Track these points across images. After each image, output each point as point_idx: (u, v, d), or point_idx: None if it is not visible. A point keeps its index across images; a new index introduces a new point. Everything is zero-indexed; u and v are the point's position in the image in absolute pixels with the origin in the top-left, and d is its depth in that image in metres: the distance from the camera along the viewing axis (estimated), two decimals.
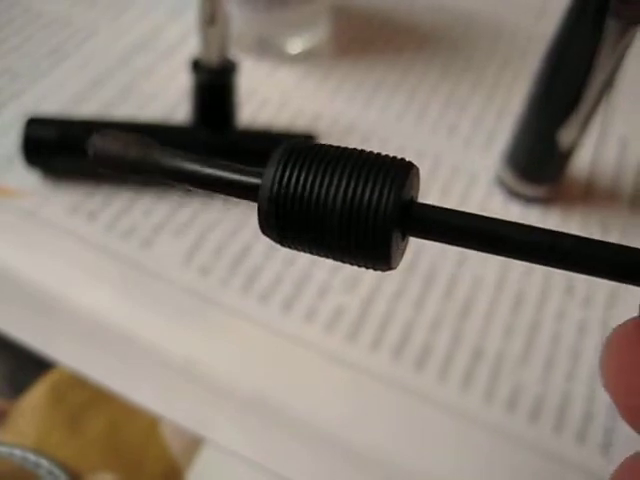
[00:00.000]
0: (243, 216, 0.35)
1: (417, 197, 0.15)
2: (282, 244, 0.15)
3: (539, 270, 0.35)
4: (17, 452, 0.27)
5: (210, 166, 0.15)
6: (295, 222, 0.15)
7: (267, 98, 0.42)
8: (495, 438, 0.30)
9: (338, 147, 0.15)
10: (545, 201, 0.38)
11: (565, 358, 0.33)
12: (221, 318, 0.32)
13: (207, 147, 0.36)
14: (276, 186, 0.14)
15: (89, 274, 0.33)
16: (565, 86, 0.33)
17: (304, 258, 0.34)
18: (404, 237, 0.15)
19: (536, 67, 0.35)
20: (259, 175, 0.15)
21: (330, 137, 0.40)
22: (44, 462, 0.27)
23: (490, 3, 0.51)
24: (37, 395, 0.29)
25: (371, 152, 0.15)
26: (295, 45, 0.45)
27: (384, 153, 0.15)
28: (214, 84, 0.35)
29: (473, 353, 0.32)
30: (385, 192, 0.14)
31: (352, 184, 0.14)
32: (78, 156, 0.35)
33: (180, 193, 0.36)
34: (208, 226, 0.35)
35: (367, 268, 0.15)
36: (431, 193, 0.38)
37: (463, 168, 0.40)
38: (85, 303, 0.32)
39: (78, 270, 0.33)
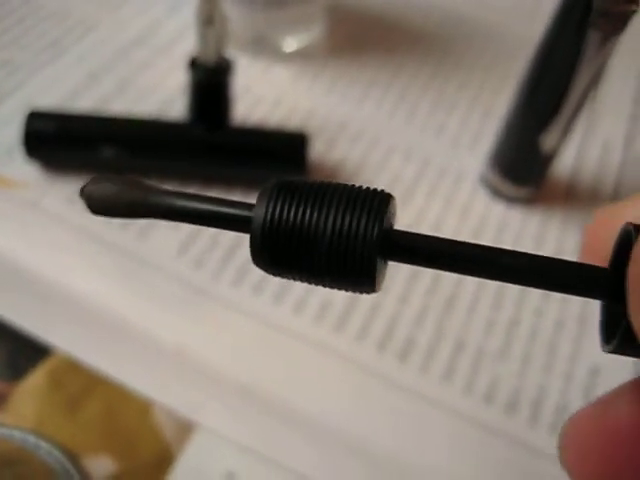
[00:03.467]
0: None
1: (395, 224, 0.16)
2: (274, 274, 0.16)
3: None
4: (17, 433, 0.28)
5: (203, 202, 0.16)
6: (285, 254, 0.15)
7: (261, 96, 0.43)
8: (472, 428, 0.31)
9: (323, 182, 0.16)
10: (527, 202, 0.40)
11: (542, 353, 0.34)
12: (213, 308, 0.34)
13: (202, 144, 0.37)
14: (268, 220, 0.15)
15: (87, 263, 0.34)
16: (547, 92, 0.35)
17: None
18: (385, 262, 0.16)
19: (522, 71, 0.36)
20: (250, 208, 0.16)
21: (322, 135, 0.41)
22: (43, 443, 0.28)
23: (482, 5, 0.52)
24: (36, 379, 0.31)
25: (353, 186, 0.16)
26: (290, 43, 0.46)
27: (365, 186, 0.16)
28: (210, 82, 0.36)
29: (455, 346, 0.34)
30: (369, 224, 0.15)
31: (338, 217, 0.15)
32: (77, 149, 0.37)
33: (176, 185, 0.37)
34: None
35: (354, 292, 0.16)
36: (418, 193, 0.39)
37: (450, 168, 0.41)
38: (83, 291, 0.33)
39: (76, 259, 0.34)
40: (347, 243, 0.15)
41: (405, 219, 0.38)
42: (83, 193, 0.17)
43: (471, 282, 0.36)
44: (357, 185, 0.16)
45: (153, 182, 0.17)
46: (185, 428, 0.30)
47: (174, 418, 0.30)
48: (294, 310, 0.34)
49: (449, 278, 0.36)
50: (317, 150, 0.40)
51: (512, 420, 0.32)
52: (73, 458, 0.29)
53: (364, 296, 0.35)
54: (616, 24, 0.31)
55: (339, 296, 0.34)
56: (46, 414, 0.30)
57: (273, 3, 0.43)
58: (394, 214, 0.16)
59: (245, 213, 0.16)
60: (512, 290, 0.36)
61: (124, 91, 0.42)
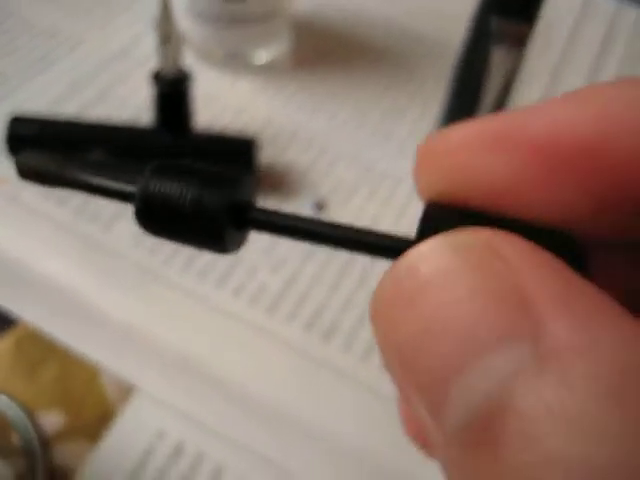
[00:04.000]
0: None
1: (255, 200, 0.20)
2: (152, 235, 0.19)
3: None
4: None
5: (99, 175, 0.19)
6: (158, 220, 0.19)
7: (226, 105, 0.48)
8: (391, 407, 0.36)
9: (196, 164, 0.19)
10: None
11: None
12: (163, 290, 0.38)
13: (166, 148, 0.42)
14: (144, 193, 0.19)
15: (57, 250, 0.39)
16: (464, 99, 0.39)
17: None
18: (240, 230, 0.19)
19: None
20: (135, 184, 0.19)
21: (275, 142, 0.46)
22: (4, 398, 0.33)
23: (438, 26, 0.57)
24: (3, 346, 0.35)
25: (218, 169, 0.19)
26: (261, 56, 0.51)
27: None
28: (170, 92, 0.41)
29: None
30: (218, 196, 0.18)
31: (197, 191, 0.19)
32: (56, 151, 0.42)
33: None
34: None
35: (211, 252, 0.19)
36: (358, 196, 0.44)
37: (392, 173, 0.45)
38: (52, 273, 0.38)
39: (48, 246, 0.39)
40: (200, 212, 0.18)
41: (345, 218, 0.42)
42: (16, 160, 0.20)
43: None
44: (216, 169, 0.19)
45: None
46: (126, 392, 0.35)
47: (117, 383, 0.35)
48: (233, 294, 0.38)
49: (377, 274, 0.40)
50: (269, 155, 0.44)
51: None
52: (29, 412, 0.33)
53: (297, 283, 0.39)
54: (514, 42, 0.35)
55: (274, 282, 0.39)
56: (9, 376, 0.35)
57: (236, 21, 0.48)
58: (253, 193, 0.20)
59: (129, 188, 0.19)
60: None
61: (104, 100, 0.47)
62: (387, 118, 0.49)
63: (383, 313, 0.13)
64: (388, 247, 0.18)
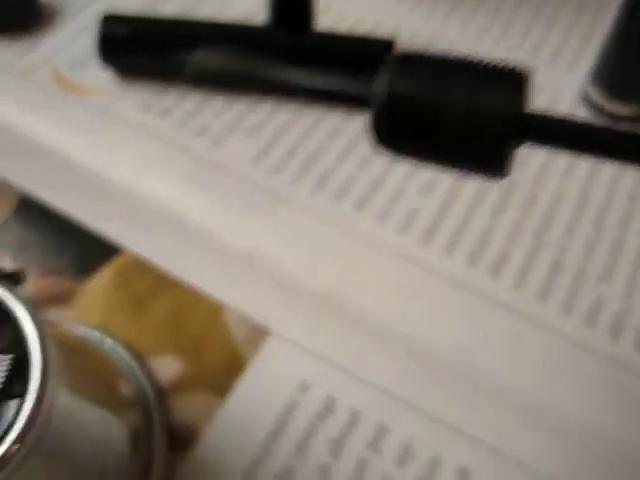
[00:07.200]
0: (317, 119, 0.34)
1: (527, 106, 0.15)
2: (396, 153, 0.15)
3: (625, 185, 0.33)
4: (82, 328, 0.27)
5: (320, 75, 0.16)
6: (411, 128, 0.14)
7: (343, 12, 0.41)
8: (575, 350, 0.28)
9: (448, 55, 0.15)
10: (633, 120, 0.36)
11: None
12: (290, 214, 0.31)
13: (284, 49, 0.35)
14: (391, 92, 0.14)
15: (159, 167, 0.33)
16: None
17: (379, 162, 0.33)
18: (517, 145, 0.15)
19: None
20: (371, 83, 0.15)
21: None
22: (109, 340, 0.27)
23: None
24: (103, 278, 0.29)
25: (483, 60, 0.15)
26: None
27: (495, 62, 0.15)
28: None
29: (552, 265, 0.31)
30: (504, 100, 0.14)
31: (471, 90, 0.14)
32: (152, 53, 0.35)
33: (254, 95, 0.35)
34: (281, 128, 0.34)
35: (480, 176, 0.15)
36: None
37: (547, 85, 0.38)
38: (154, 194, 0.32)
39: (149, 163, 0.33)
40: (479, 119, 0.14)
41: None
42: (192, 63, 0.17)
43: (571, 198, 0.33)
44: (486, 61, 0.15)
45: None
46: (257, 334, 0.28)
47: (246, 323, 0.28)
48: (378, 219, 0.31)
49: (548, 193, 0.33)
50: None
51: (617, 344, 0.29)
52: (138, 356, 0.27)
53: (453, 208, 0.32)
54: None
55: (427, 207, 0.32)
56: (112, 313, 0.28)
57: None
58: (528, 95, 0.16)
59: (365, 89, 0.15)
60: (616, 208, 0.33)
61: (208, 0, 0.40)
62: (531, 26, 0.41)
63: None
64: None
